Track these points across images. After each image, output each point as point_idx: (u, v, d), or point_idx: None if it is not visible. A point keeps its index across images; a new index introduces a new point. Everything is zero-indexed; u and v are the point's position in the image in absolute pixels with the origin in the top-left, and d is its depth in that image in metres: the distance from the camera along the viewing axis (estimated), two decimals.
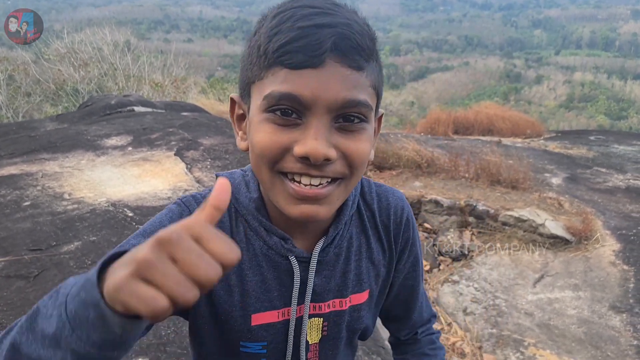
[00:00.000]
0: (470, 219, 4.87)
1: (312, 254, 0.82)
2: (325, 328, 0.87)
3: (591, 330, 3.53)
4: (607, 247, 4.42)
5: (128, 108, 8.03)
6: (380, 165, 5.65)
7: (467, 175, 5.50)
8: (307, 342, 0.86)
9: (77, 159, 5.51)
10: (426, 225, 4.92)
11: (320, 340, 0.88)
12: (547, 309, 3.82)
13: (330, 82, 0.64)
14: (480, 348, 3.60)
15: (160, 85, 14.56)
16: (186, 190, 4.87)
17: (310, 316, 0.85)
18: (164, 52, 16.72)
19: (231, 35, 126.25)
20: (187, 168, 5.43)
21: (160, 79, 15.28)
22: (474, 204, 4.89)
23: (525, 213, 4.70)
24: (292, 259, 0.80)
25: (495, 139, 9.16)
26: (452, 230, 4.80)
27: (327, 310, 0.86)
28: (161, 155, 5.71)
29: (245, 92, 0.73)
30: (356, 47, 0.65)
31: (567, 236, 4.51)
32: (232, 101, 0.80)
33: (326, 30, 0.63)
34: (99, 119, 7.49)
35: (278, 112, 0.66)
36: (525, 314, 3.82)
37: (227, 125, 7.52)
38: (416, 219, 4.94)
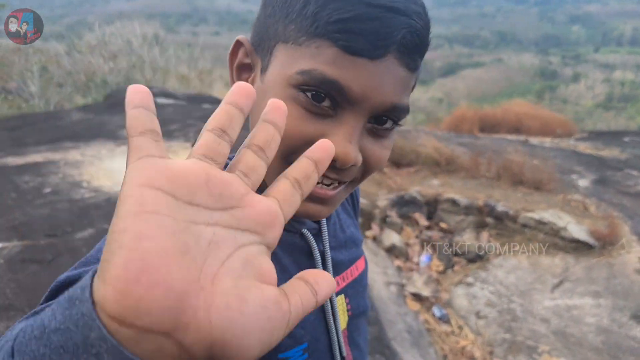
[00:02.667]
0: (489, 219, 4.73)
1: (319, 222, 0.74)
2: (349, 306, 0.79)
3: (610, 339, 3.36)
4: (634, 254, 4.21)
5: None
6: (397, 162, 5.54)
7: (488, 174, 5.34)
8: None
9: (98, 149, 5.62)
10: (442, 224, 4.80)
11: (347, 324, 0.79)
12: (565, 316, 3.66)
13: (384, 82, 0.55)
14: (491, 353, 3.49)
15: (186, 78, 14.74)
16: None
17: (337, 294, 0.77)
18: (191, 45, 16.91)
19: None
20: None
21: (186, 71, 15.49)
22: (493, 204, 4.73)
23: (546, 215, 4.52)
24: (306, 232, 0.72)
25: (522, 138, 8.88)
26: (468, 230, 4.67)
27: (345, 284, 0.78)
28: (178, 146, 5.76)
29: (264, 47, 0.61)
30: (419, 45, 0.57)
31: (591, 241, 4.32)
32: (238, 43, 0.66)
33: (399, 19, 0.54)
34: (122, 110, 7.63)
35: (309, 95, 0.56)
36: (541, 320, 3.67)
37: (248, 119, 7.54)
38: (432, 218, 4.84)
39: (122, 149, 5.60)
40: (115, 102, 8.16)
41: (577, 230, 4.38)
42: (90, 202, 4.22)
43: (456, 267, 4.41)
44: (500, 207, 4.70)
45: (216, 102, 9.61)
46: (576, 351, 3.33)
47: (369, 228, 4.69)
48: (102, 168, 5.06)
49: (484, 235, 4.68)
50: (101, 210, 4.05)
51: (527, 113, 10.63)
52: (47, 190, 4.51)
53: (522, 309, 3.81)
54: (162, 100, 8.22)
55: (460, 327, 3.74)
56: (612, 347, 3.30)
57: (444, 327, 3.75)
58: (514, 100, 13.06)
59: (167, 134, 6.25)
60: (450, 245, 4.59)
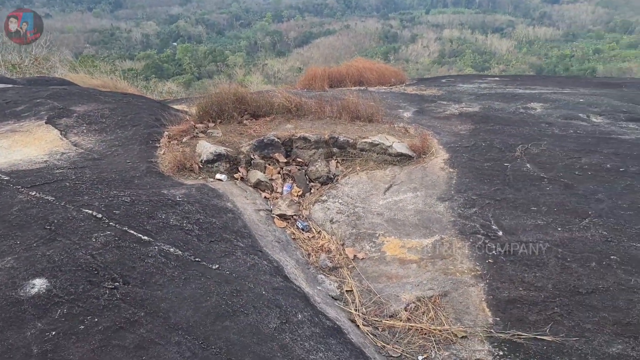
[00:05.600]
0: (335, 149, 5.68)
1: None
2: None
3: (423, 217, 4.54)
4: (439, 158, 5.51)
5: None
6: (255, 114, 6.21)
7: (331, 115, 6.29)
8: None
9: None
10: (298, 159, 5.63)
11: None
12: (394, 208, 4.77)
13: None
14: (343, 245, 4.45)
15: (19, 66, 13.50)
16: (63, 153, 5.01)
17: None
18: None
19: (97, 7, 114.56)
20: (61, 134, 5.49)
21: (17, 60, 14.14)
22: (337, 137, 5.69)
23: (377, 139, 5.62)
24: None
25: (363, 87, 10.17)
26: (319, 160, 5.57)
27: None
28: (31, 125, 5.67)
29: None
30: None
31: (410, 153, 5.52)
32: None
33: None
34: None
35: None
36: (377, 214, 4.73)
37: (101, 93, 7.49)
38: (290, 155, 5.63)
39: None
40: None
41: (399, 146, 5.54)
42: None
43: (313, 190, 5.30)
44: (342, 138, 5.68)
45: (63, 83, 9.17)
46: (402, 229, 4.44)
47: (237, 171, 5.33)
48: None
49: (333, 162, 5.64)
50: None
51: (367, 67, 12.02)
52: None
53: (364, 210, 4.84)
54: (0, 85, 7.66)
55: (319, 232, 4.64)
56: (425, 221, 4.48)
57: (307, 235, 4.61)
58: (355, 58, 14.48)
59: (15, 115, 6.03)
60: (307, 174, 5.46)
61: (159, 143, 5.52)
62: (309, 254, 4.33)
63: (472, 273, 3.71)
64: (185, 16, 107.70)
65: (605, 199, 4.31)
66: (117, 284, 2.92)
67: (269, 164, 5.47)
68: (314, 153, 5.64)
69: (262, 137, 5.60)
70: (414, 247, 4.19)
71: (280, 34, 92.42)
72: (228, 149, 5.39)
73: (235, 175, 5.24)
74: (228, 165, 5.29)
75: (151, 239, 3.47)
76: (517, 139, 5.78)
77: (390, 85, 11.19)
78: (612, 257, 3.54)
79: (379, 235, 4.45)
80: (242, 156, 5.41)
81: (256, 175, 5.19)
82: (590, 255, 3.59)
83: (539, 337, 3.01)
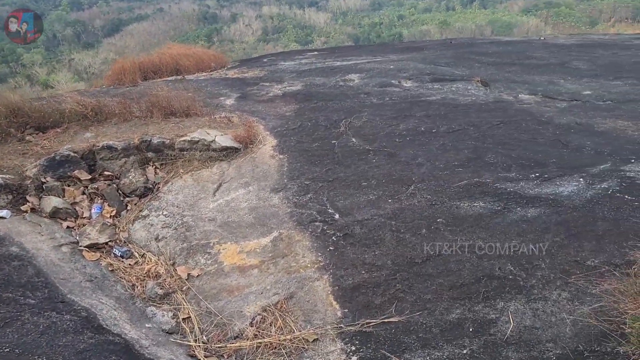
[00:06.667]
0: (150, 154, 4.95)
1: None
2: None
3: (259, 213, 4.19)
4: (268, 145, 5.20)
5: None
6: (40, 126, 5.06)
7: (140, 114, 5.48)
8: None
9: None
10: (106, 173, 4.76)
11: None
12: (226, 210, 4.32)
13: None
14: (174, 264, 3.86)
15: None
16: None
17: None
18: None
19: None
20: None
21: None
22: (149, 139, 4.96)
23: (197, 135, 5.05)
24: None
25: (180, 77, 9.33)
26: (133, 170, 4.79)
27: None
28: None
29: None
30: None
31: (236, 145, 5.09)
32: None
33: None
34: None
35: None
36: (209, 220, 4.23)
37: None
38: (94, 169, 4.73)
39: None
40: None
41: (223, 140, 5.07)
42: None
43: (130, 207, 4.53)
44: (157, 140, 4.97)
45: None
46: (238, 232, 4.03)
47: (25, 202, 4.26)
48: None
49: (150, 169, 4.90)
50: None
51: (183, 54, 11.10)
52: None
53: (193, 218, 4.29)
54: None
55: (143, 256, 3.95)
56: (261, 218, 4.13)
57: (128, 262, 3.89)
58: (169, 44, 13.35)
59: None
60: (119, 189, 4.65)
61: None
62: (134, 285, 3.65)
63: (316, 265, 3.51)
64: None
65: (424, 162, 4.50)
66: None
67: (69, 185, 4.50)
68: (125, 162, 4.83)
69: (53, 154, 4.57)
70: (253, 250, 3.83)
71: (84, 23, 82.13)
72: (6, 176, 4.26)
73: (22, 207, 4.18)
74: (11, 197, 4.19)
75: None
76: (341, 114, 5.78)
77: (211, 71, 10.51)
78: (438, 219, 3.66)
79: (214, 244, 3.97)
80: (28, 182, 4.34)
81: (52, 202, 4.21)
82: (419, 222, 3.67)
83: (386, 320, 2.92)
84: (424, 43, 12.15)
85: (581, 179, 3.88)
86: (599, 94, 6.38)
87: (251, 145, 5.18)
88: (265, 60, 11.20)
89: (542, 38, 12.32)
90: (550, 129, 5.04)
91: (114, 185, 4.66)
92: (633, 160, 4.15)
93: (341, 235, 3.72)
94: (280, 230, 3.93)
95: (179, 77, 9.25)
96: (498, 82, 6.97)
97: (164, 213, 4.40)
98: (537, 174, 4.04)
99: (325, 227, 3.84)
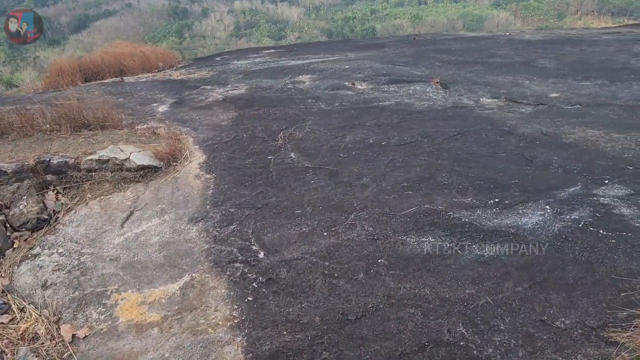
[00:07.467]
0: (49, 176, 4.18)
1: None
2: None
3: (170, 251, 3.48)
4: (195, 162, 4.49)
5: None
6: None
7: (45, 127, 4.68)
8: None
9: None
10: None
11: None
12: (133, 246, 3.60)
13: None
14: (59, 320, 3.13)
15: None
16: None
17: None
18: None
19: None
20: None
21: None
22: (48, 159, 4.18)
23: (107, 152, 4.29)
24: None
25: (118, 79, 8.49)
26: (27, 197, 4.01)
27: None
28: None
29: None
30: None
31: (155, 163, 4.37)
32: None
33: None
34: None
35: None
36: (110, 260, 3.50)
37: None
38: None
39: None
40: None
41: (139, 157, 4.33)
42: None
43: (18, 244, 3.76)
44: (57, 160, 4.20)
45: None
46: (143, 276, 3.32)
47: None
48: None
49: (50, 195, 4.13)
50: None
51: (128, 53, 10.23)
52: None
53: (93, 257, 3.55)
54: None
55: (22, 310, 3.21)
56: (172, 257, 3.42)
57: (3, 319, 3.15)
58: (114, 42, 12.41)
59: None
60: (7, 222, 3.86)
61: None
62: (2, 352, 2.91)
63: (229, 323, 2.83)
64: None
65: (369, 182, 3.87)
66: None
67: None
68: (18, 188, 4.04)
69: None
70: (157, 301, 3.13)
71: (49, 19, 78.99)
72: None
73: None
74: None
75: None
76: (282, 123, 5.10)
77: (157, 71, 9.70)
78: (379, 260, 3.03)
79: (112, 292, 3.25)
80: None
81: None
82: (357, 263, 3.03)
83: None
84: (386, 39, 11.56)
85: (547, 207, 3.29)
86: (566, 97, 5.87)
87: (175, 163, 4.46)
88: (218, 59, 10.43)
89: (508, 34, 11.88)
90: (513, 140, 4.47)
91: (2, 217, 3.87)
92: (607, 182, 3.60)
93: (264, 280, 3.05)
94: (193, 274, 3.24)
95: (116, 80, 8.41)
96: (459, 83, 6.40)
97: (59, 251, 3.65)
98: (497, 200, 3.45)
99: (246, 270, 3.16)
